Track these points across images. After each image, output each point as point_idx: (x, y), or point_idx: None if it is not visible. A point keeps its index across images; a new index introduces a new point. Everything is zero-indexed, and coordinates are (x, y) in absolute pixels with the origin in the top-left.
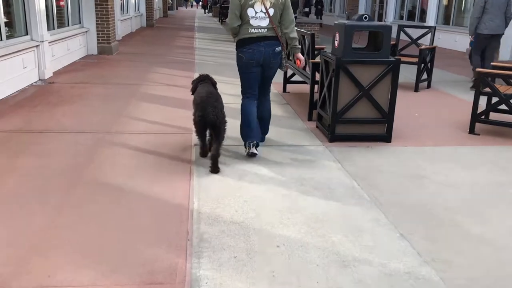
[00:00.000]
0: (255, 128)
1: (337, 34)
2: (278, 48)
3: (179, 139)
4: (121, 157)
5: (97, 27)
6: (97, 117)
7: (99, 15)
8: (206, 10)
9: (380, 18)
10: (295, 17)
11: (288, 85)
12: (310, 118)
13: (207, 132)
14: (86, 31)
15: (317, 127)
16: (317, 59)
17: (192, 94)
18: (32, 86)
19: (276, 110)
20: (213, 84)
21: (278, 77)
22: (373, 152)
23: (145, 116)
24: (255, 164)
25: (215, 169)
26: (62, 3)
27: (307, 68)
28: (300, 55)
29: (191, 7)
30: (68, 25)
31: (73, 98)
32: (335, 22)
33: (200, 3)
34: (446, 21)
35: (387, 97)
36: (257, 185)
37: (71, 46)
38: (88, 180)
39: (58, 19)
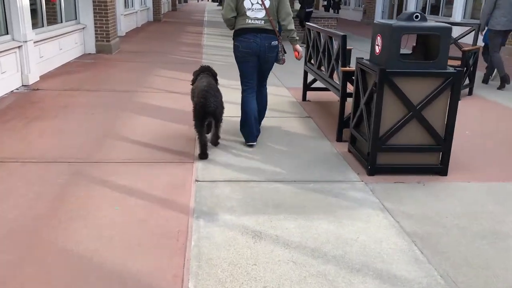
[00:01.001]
0: (255, 126)
1: (378, 38)
2: (274, 42)
3: (176, 171)
4: (96, 206)
5: (95, 23)
6: (78, 138)
7: (97, 10)
8: (218, 3)
9: (399, 11)
10: (311, 11)
11: (308, 92)
12: (339, 139)
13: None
14: (83, 28)
15: (349, 151)
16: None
17: (192, 85)
18: (11, 94)
19: (296, 126)
20: (214, 75)
21: (297, 82)
22: (428, 192)
23: (137, 135)
24: (275, 215)
25: (212, 144)
26: None
27: (335, 76)
28: (298, 46)
29: (202, 0)
30: (62, 22)
31: (56, 110)
32: (376, 21)
33: None
34: (475, 15)
35: (444, 118)
36: (280, 253)
37: (64, 45)
38: (45, 247)
39: (49, 15)
